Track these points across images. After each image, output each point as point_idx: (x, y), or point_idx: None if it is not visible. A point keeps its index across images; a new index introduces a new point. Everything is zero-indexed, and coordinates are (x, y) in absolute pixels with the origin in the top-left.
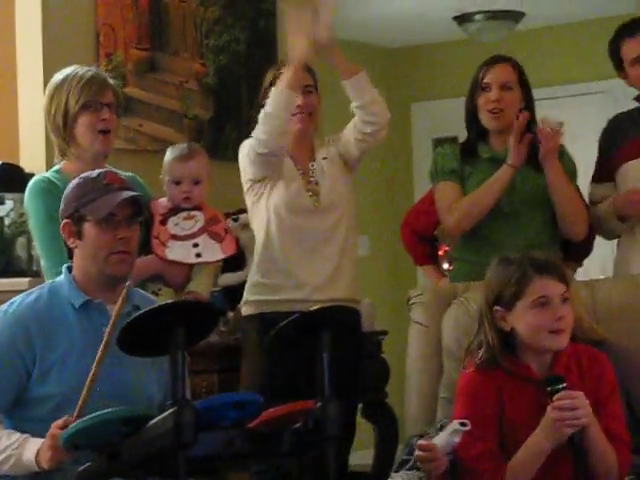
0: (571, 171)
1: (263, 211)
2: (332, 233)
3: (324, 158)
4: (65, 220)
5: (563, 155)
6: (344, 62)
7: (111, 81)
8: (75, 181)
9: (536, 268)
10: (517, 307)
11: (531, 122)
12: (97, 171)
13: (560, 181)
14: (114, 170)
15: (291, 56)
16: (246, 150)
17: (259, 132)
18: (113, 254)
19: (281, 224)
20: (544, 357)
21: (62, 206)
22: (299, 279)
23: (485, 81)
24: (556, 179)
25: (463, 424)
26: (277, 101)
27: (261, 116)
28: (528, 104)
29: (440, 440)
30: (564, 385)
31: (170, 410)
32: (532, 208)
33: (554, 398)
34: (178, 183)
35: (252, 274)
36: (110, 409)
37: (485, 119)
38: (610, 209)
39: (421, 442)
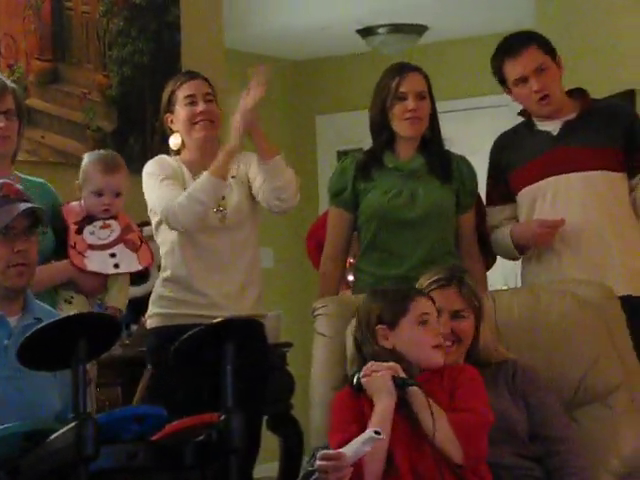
0: (473, 188)
1: (168, 228)
2: (238, 251)
3: (232, 177)
4: None
5: (462, 169)
6: (265, 143)
7: (11, 85)
8: None
9: (416, 290)
10: (400, 324)
11: (438, 133)
12: None
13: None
14: (21, 175)
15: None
16: (151, 176)
17: (180, 209)
18: (11, 267)
19: (186, 241)
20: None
21: None
22: (205, 297)
23: (401, 90)
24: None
25: (377, 432)
26: (204, 188)
27: (186, 195)
28: (434, 115)
29: (350, 449)
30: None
31: (71, 424)
32: (434, 219)
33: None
34: (99, 194)
35: (158, 287)
36: (9, 424)
37: (402, 128)
38: (508, 239)
39: (327, 451)
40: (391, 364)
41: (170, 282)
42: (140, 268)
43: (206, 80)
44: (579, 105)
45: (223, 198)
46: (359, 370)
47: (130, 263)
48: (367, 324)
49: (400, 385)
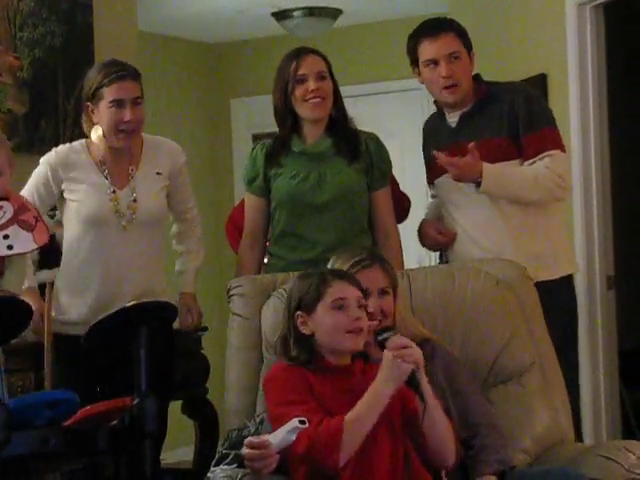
0: (383, 165)
1: (74, 221)
2: (143, 248)
3: (158, 173)
4: None
5: (371, 147)
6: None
7: None
8: None
9: (335, 275)
10: (317, 310)
11: (343, 113)
12: None
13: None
14: None
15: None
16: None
17: None
18: None
19: (89, 237)
20: (344, 357)
21: None
22: (108, 293)
23: (300, 72)
24: None
25: (302, 422)
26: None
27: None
28: (337, 95)
29: (276, 438)
30: (394, 331)
31: None
32: (343, 201)
33: (388, 341)
34: None
35: (59, 277)
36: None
37: (305, 111)
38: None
39: (252, 439)
40: (418, 357)
41: (70, 270)
42: (35, 247)
43: (135, 78)
44: (475, 94)
45: (135, 201)
46: (391, 331)
47: (25, 243)
48: (288, 310)
49: (380, 338)
